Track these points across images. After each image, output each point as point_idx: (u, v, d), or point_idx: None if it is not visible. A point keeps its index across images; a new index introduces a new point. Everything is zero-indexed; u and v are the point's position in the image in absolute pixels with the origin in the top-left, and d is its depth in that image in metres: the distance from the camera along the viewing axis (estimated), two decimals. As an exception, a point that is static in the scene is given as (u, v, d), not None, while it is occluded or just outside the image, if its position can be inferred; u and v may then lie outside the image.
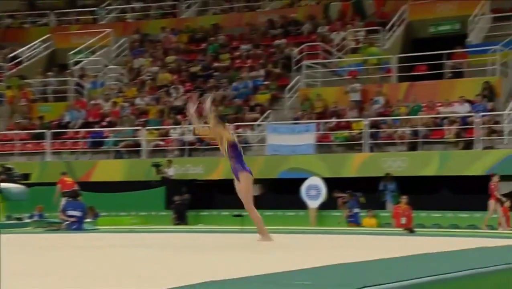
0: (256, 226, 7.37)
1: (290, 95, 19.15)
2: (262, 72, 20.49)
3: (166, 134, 19.08)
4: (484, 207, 14.83)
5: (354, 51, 19.85)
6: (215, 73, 21.27)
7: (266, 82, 20.11)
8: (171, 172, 17.45)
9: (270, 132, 17.47)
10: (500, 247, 6.09)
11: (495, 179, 13.98)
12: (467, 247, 5.91)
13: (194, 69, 21.72)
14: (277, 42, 21.46)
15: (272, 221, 15.72)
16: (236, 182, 7.27)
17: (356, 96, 18.01)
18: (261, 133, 18.14)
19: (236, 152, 7.02)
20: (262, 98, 19.43)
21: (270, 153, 17.40)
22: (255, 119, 18.62)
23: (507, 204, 13.95)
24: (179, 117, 19.42)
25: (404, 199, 14.79)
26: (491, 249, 5.70)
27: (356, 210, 15.39)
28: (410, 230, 12.65)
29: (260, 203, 16.76)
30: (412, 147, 16.47)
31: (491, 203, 13.99)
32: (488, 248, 5.84)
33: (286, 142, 17.06)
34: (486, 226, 14.06)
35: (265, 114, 18.70)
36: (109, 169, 18.46)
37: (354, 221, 15.32)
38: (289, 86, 19.31)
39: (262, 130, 18.09)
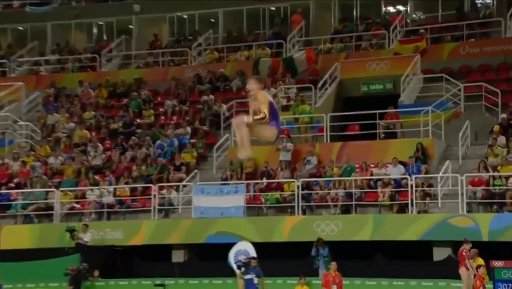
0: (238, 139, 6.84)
1: (218, 154, 19.34)
2: (188, 129, 20.66)
3: (82, 196, 18.77)
4: (419, 274, 15.19)
5: (285, 108, 20.31)
6: (138, 130, 21.28)
7: (192, 140, 20.23)
8: (87, 237, 17.12)
9: (196, 193, 17.52)
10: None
11: (467, 246, 13.61)
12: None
13: (114, 125, 21.66)
14: (204, 98, 21.78)
15: (198, 290, 15.70)
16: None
17: (287, 156, 18.33)
18: (187, 194, 18.12)
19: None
20: (188, 157, 19.53)
21: (196, 216, 17.40)
22: (181, 180, 18.63)
23: (481, 270, 13.45)
24: (97, 177, 19.21)
25: (333, 265, 14.59)
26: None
27: (249, 276, 14.59)
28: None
29: (185, 270, 16.81)
30: (346, 210, 16.86)
31: (463, 271, 13.47)
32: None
33: (214, 204, 17.14)
34: None
35: (191, 174, 18.76)
36: (16, 235, 17.90)
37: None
38: (217, 145, 19.50)
39: (188, 191, 18.11)
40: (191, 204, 17.65)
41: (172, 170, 19.16)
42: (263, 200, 17.55)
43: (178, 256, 17.39)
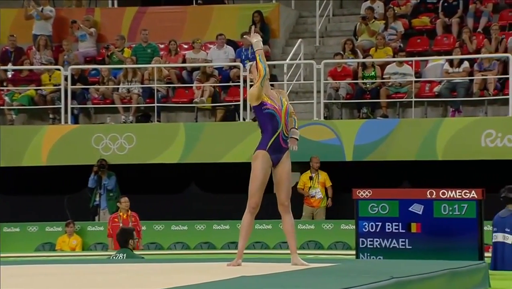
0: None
1: None
2: None
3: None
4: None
5: None
6: None
7: None
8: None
9: None
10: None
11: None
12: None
13: None
14: None
15: None
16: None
17: (46, 27, 18.41)
18: None
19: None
20: None
21: None
22: None
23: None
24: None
25: (124, 202, 15.06)
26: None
27: None
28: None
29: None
30: (144, 116, 17.27)
31: None
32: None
33: None
34: None
35: None
36: None
37: None
38: None
39: None
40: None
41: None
42: (7, 99, 17.56)
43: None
